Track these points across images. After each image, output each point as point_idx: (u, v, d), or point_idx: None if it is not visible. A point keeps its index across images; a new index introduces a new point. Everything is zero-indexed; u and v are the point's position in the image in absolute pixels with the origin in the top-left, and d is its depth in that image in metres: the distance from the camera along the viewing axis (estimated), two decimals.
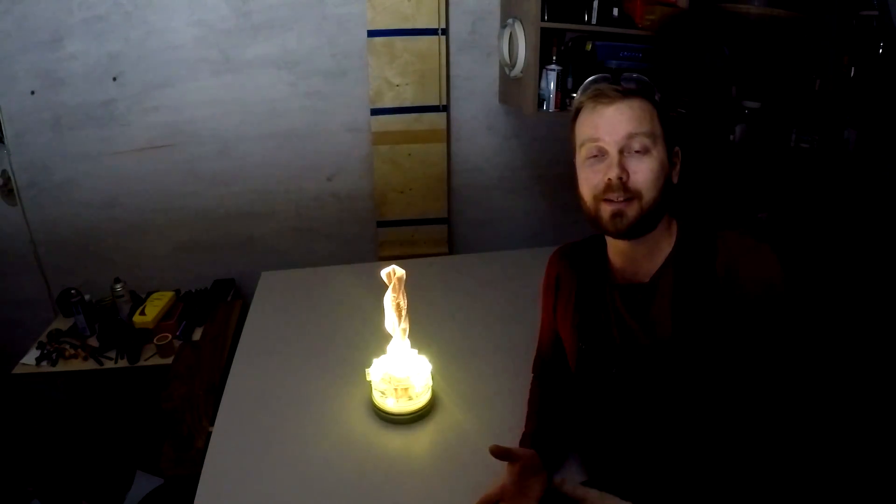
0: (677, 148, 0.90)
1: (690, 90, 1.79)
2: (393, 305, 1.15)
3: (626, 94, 0.85)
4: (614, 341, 0.93)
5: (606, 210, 0.86)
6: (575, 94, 1.06)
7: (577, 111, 0.91)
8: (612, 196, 0.84)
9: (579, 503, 0.85)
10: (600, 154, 0.86)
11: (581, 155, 0.90)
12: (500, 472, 1.02)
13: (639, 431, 0.90)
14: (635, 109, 0.85)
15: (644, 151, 0.84)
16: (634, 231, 0.86)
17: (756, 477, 0.81)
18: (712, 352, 0.83)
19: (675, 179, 0.89)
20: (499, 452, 0.90)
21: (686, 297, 0.85)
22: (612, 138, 0.84)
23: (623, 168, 0.84)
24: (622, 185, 0.83)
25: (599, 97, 0.87)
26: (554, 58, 1.86)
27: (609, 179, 0.84)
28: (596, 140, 0.86)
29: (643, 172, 0.84)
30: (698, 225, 0.91)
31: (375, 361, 1.21)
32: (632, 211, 0.84)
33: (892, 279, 1.42)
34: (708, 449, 0.84)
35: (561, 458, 1.03)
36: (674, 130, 0.90)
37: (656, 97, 0.88)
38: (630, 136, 0.84)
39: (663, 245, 0.90)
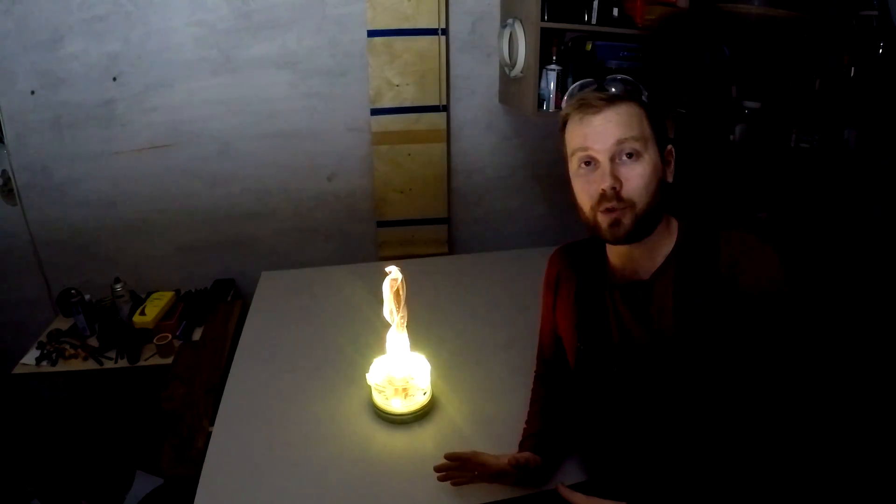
0: (670, 146, 0.90)
1: (690, 90, 1.79)
2: (392, 293, 1.15)
3: (611, 101, 0.85)
4: (612, 340, 0.93)
5: (604, 220, 0.86)
6: None
7: (565, 121, 0.91)
8: (608, 205, 0.85)
9: None
10: (592, 163, 0.86)
11: (573, 165, 0.90)
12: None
13: (638, 430, 0.90)
14: (622, 115, 0.84)
15: (635, 156, 0.84)
16: (632, 237, 0.87)
17: (756, 476, 0.81)
18: (713, 350, 0.83)
19: (669, 178, 0.89)
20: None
21: (688, 294, 0.86)
22: (602, 147, 0.84)
23: (615, 177, 0.84)
24: (616, 195, 0.84)
25: (585, 106, 0.86)
26: (554, 58, 1.86)
27: (603, 190, 0.84)
28: (586, 150, 0.86)
29: (635, 179, 0.84)
30: (700, 223, 0.91)
31: (375, 361, 1.21)
32: (627, 219, 0.85)
33: (892, 279, 1.42)
34: (708, 448, 0.84)
35: (562, 457, 1.04)
36: (664, 129, 0.90)
37: (644, 97, 0.87)
38: (619, 143, 0.84)
39: (663, 244, 0.91)
